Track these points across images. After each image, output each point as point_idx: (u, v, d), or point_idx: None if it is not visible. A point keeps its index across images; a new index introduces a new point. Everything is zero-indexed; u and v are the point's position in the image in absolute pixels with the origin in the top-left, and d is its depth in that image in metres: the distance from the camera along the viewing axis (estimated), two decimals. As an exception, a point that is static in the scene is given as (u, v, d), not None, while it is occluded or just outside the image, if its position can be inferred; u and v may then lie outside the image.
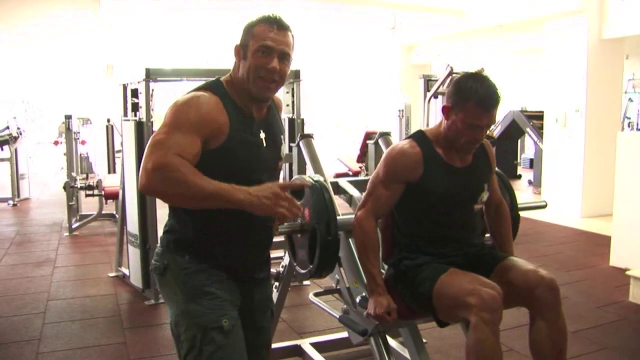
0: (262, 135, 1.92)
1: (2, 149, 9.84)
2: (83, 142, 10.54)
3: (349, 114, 14.31)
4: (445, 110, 2.27)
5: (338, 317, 2.57)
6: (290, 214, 1.70)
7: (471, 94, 2.18)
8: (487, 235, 2.66)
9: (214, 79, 1.91)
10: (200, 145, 1.73)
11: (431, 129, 2.40)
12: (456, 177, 2.31)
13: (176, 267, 1.88)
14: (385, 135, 3.25)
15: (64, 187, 7.12)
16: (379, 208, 2.34)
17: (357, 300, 2.48)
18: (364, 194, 2.49)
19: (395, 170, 2.30)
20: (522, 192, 10.46)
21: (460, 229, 2.36)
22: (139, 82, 4.46)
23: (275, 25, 1.83)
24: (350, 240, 2.56)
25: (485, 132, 2.26)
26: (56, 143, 11.34)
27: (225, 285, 1.88)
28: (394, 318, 2.24)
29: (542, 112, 9.08)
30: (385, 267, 2.54)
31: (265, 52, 1.81)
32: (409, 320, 2.46)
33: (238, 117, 1.83)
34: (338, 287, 2.68)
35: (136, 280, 4.71)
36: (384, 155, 2.39)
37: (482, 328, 2.00)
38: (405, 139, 2.43)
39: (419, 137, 2.35)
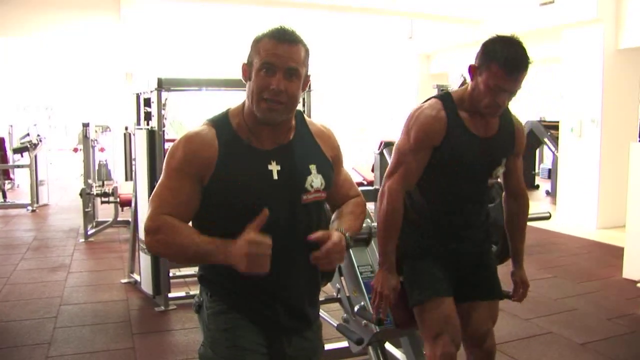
0: (275, 166, 1.68)
1: (22, 156, 10.02)
2: (102, 150, 10.72)
3: (366, 123, 14.31)
4: (471, 70, 2.18)
5: (335, 325, 2.59)
6: (258, 266, 1.53)
7: (496, 56, 2.08)
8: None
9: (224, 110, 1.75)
10: (191, 185, 1.64)
11: (458, 92, 2.29)
12: (475, 146, 2.22)
13: (205, 305, 1.77)
14: (389, 145, 3.24)
15: (80, 194, 7.23)
16: (410, 177, 2.24)
17: (356, 309, 2.50)
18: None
19: (426, 137, 2.20)
20: (540, 203, 10.38)
21: (468, 200, 2.31)
22: (151, 92, 4.54)
23: (283, 38, 1.61)
24: (350, 250, 2.56)
25: (510, 98, 2.17)
26: (75, 150, 11.53)
27: (246, 332, 1.71)
28: (394, 298, 2.22)
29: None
30: None
31: (269, 70, 1.60)
32: (408, 330, 2.48)
33: (234, 149, 1.65)
34: (339, 295, 2.71)
35: (147, 286, 4.77)
36: (409, 120, 2.26)
37: None
38: (431, 98, 2.32)
39: (445, 99, 2.26)
